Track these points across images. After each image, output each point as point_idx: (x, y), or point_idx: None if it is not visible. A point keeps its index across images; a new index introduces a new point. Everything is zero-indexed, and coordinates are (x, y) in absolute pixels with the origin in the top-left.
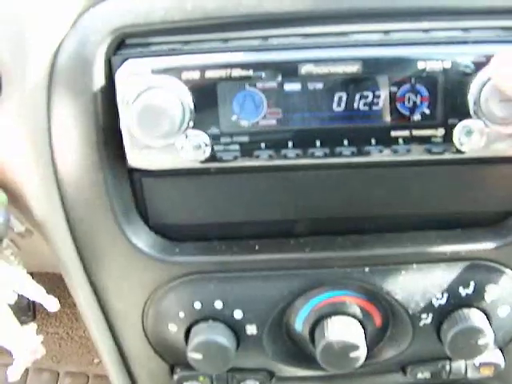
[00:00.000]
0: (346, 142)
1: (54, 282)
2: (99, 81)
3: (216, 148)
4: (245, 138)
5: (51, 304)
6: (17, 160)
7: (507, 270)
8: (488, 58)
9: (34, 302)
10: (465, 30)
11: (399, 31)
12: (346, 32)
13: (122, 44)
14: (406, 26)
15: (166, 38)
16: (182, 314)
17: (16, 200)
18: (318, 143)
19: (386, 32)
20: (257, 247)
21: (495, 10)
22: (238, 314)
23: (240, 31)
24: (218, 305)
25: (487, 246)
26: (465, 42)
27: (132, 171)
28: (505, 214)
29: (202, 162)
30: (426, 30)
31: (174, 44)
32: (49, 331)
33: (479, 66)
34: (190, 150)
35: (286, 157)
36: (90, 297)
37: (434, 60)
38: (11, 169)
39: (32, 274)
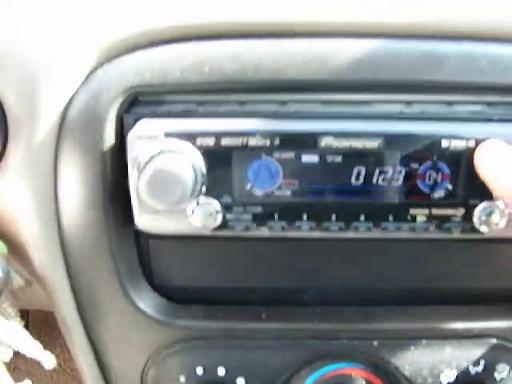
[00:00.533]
0: (362, 218)
1: (47, 313)
2: (110, 139)
3: (228, 217)
4: (258, 209)
5: (48, 361)
6: (20, 213)
7: None
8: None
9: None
10: (489, 104)
11: (422, 102)
12: (367, 101)
13: (136, 100)
14: (429, 97)
15: (181, 97)
16: (182, 379)
17: (17, 251)
18: (333, 217)
19: (408, 103)
20: (264, 315)
21: None
22: (240, 382)
23: (258, 94)
24: (221, 371)
25: (500, 324)
26: (489, 120)
27: (138, 232)
28: None
29: (213, 229)
30: (449, 103)
31: (188, 104)
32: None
33: None
34: (200, 217)
35: (299, 229)
36: (89, 354)
37: (458, 139)
38: (14, 220)
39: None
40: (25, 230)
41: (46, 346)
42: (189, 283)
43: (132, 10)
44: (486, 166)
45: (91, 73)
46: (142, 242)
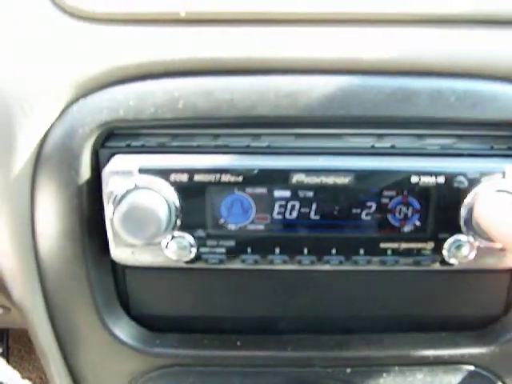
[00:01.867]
0: (334, 251)
1: None
2: (85, 174)
3: (202, 250)
4: (231, 242)
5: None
6: None
7: (490, 375)
8: (482, 175)
9: (7, 347)
10: (458, 137)
11: (392, 135)
12: (338, 134)
13: (111, 133)
14: (399, 131)
15: (156, 131)
16: None
17: None
18: (305, 251)
19: (379, 136)
20: (238, 343)
21: (488, 122)
22: None
23: (231, 129)
24: None
25: (471, 350)
26: (459, 155)
27: (115, 262)
28: (489, 319)
29: (187, 262)
30: (419, 135)
31: (163, 137)
32: (22, 376)
33: (472, 181)
34: (175, 250)
35: (272, 262)
36: (67, 381)
37: (428, 175)
38: None
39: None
40: (2, 261)
41: (27, 358)
42: (165, 312)
43: (106, 46)
44: (487, 215)
45: (66, 108)
46: (118, 272)
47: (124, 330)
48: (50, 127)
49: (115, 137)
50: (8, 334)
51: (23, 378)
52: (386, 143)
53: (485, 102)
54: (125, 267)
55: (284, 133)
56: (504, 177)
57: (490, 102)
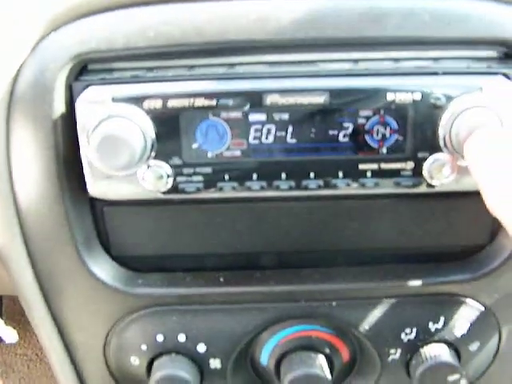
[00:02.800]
0: (312, 175)
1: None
2: (59, 109)
3: (178, 179)
4: (208, 170)
5: (9, 336)
6: None
7: (477, 305)
8: (459, 91)
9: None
10: (435, 59)
11: (368, 60)
12: (313, 60)
13: (84, 69)
14: (375, 55)
15: (130, 64)
16: (144, 347)
17: None
18: (283, 176)
19: (355, 61)
20: (221, 280)
21: (465, 41)
22: (201, 348)
23: (205, 58)
24: (181, 338)
25: (457, 280)
26: (435, 74)
27: (93, 200)
28: (474, 248)
29: (164, 192)
30: (395, 59)
31: (137, 70)
32: (17, 352)
33: (450, 98)
34: (151, 180)
35: (250, 189)
36: (51, 328)
37: (404, 92)
38: None
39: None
40: None
41: (22, 336)
42: (146, 251)
43: None
44: (475, 158)
45: (38, 43)
46: (97, 210)
47: (105, 270)
48: (22, 64)
49: (89, 72)
50: (2, 310)
51: (19, 354)
52: (361, 67)
53: (459, 20)
54: (104, 205)
55: (258, 61)
56: (481, 92)
57: (465, 21)
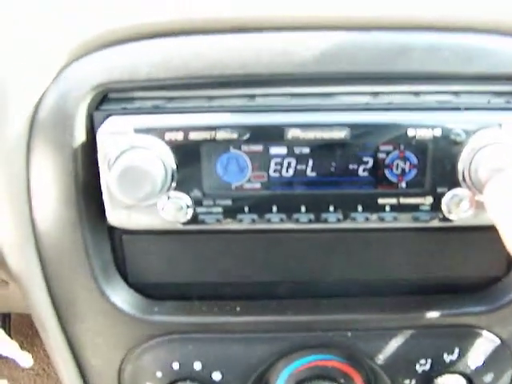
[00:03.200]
0: (331, 208)
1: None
2: (80, 137)
3: (198, 210)
4: (228, 201)
5: (24, 360)
6: None
7: (492, 336)
8: (479, 127)
9: (9, 333)
10: (456, 93)
11: (388, 93)
12: (333, 93)
13: (105, 98)
14: (395, 88)
15: (150, 94)
16: (159, 374)
17: None
18: (303, 208)
19: (375, 94)
20: (238, 309)
21: (486, 76)
22: (216, 376)
23: (226, 89)
24: (197, 366)
25: (473, 311)
26: (456, 109)
27: (112, 227)
28: (490, 280)
29: (184, 223)
30: (416, 93)
31: (157, 100)
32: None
33: (470, 134)
34: (171, 211)
35: (269, 221)
36: (65, 351)
37: (425, 128)
38: None
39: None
40: None
41: (29, 349)
42: (163, 279)
43: (99, 8)
44: (494, 204)
45: (60, 71)
46: (115, 238)
47: (122, 297)
48: (45, 91)
49: (110, 101)
50: (10, 324)
51: (25, 369)
52: (382, 100)
53: (480, 56)
54: (122, 233)
55: (279, 93)
56: (501, 128)
57: (486, 57)
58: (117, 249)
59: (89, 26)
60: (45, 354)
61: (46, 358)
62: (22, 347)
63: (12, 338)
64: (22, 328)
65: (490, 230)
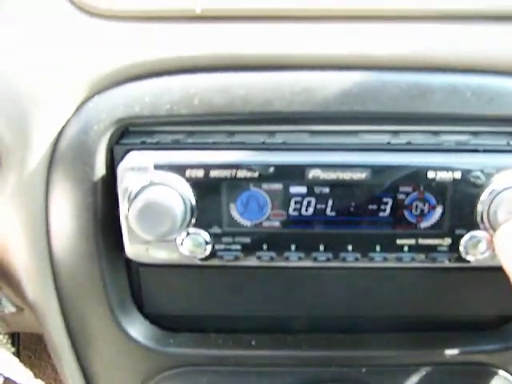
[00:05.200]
0: (350, 248)
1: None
2: (100, 171)
3: (217, 247)
4: (247, 239)
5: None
6: (11, 243)
7: (506, 375)
8: (498, 170)
9: (18, 352)
10: (474, 133)
11: (408, 132)
12: (354, 131)
13: (126, 131)
14: (416, 128)
15: (171, 128)
16: None
17: (8, 278)
18: (321, 247)
19: (395, 132)
20: (253, 342)
21: (505, 118)
22: None
23: (246, 125)
24: None
25: (487, 349)
26: (475, 151)
27: (129, 259)
28: (505, 319)
29: (202, 259)
30: (435, 132)
31: (178, 134)
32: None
33: (489, 176)
34: (190, 247)
35: (288, 259)
36: (79, 379)
37: (444, 170)
38: (5, 250)
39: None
40: (16, 259)
41: (37, 365)
42: (179, 311)
43: (122, 43)
44: (505, 250)
45: (82, 105)
46: (132, 269)
47: (137, 329)
48: (65, 124)
49: (130, 134)
50: (19, 339)
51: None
52: (401, 140)
53: (500, 97)
54: (139, 265)
55: (299, 130)
56: None
57: (506, 98)
58: (133, 280)
59: (111, 59)
60: (53, 369)
61: (54, 374)
62: (29, 363)
63: (20, 354)
64: (31, 344)
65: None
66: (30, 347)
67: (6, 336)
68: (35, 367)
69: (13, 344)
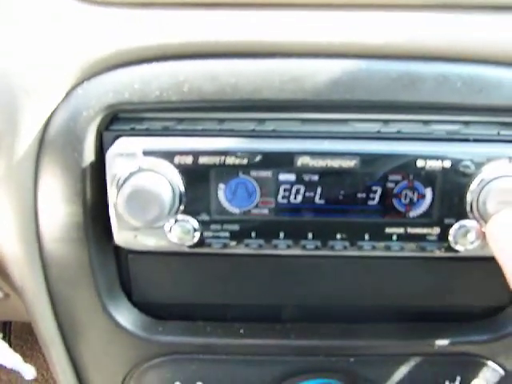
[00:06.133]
0: (338, 236)
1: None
2: (89, 157)
3: (205, 234)
4: (235, 226)
5: (27, 372)
6: (0, 227)
7: (494, 365)
8: (488, 160)
9: (9, 341)
10: (465, 123)
11: (398, 121)
12: (344, 119)
13: (115, 117)
14: (406, 116)
15: (161, 115)
16: None
17: None
18: (310, 235)
19: (385, 121)
20: (242, 331)
21: (496, 108)
22: None
23: (236, 113)
24: None
25: (476, 340)
26: (465, 140)
27: (118, 247)
28: (494, 309)
29: (190, 246)
30: (425, 122)
31: (168, 121)
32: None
33: (479, 166)
34: (178, 234)
35: (276, 247)
36: (68, 369)
37: (434, 159)
38: None
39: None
40: (4, 245)
41: (29, 355)
42: (168, 299)
43: (111, 29)
44: (497, 240)
45: (71, 91)
46: (121, 257)
47: (126, 316)
48: (55, 110)
49: (120, 120)
50: (11, 329)
51: None
52: (391, 128)
53: (491, 87)
54: (128, 253)
55: (289, 117)
56: (510, 162)
57: (497, 88)
58: (122, 268)
59: (101, 45)
60: (44, 360)
61: (45, 364)
62: (21, 353)
63: (12, 344)
64: (22, 334)
65: (495, 260)
66: (21, 337)
67: None
68: (27, 357)
69: (4, 334)
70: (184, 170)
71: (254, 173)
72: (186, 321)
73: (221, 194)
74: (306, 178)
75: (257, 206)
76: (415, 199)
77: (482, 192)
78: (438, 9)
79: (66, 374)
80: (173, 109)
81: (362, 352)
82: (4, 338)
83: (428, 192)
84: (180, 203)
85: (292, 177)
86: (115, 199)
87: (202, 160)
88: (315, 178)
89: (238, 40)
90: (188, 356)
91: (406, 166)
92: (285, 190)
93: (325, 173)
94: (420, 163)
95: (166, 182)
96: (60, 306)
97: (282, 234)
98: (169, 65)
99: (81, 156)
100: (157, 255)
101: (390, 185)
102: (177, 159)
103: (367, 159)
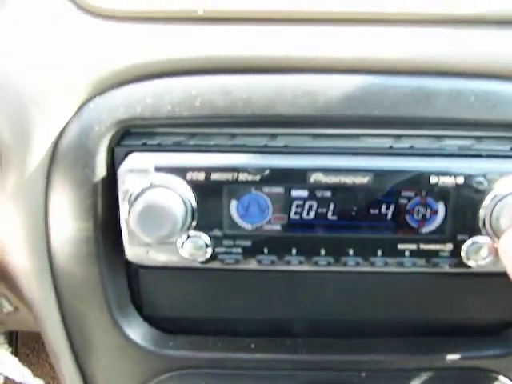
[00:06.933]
0: (351, 252)
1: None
2: (100, 172)
3: (217, 250)
4: (248, 242)
5: None
6: (10, 243)
7: (506, 380)
8: (501, 175)
9: (16, 351)
10: (478, 138)
11: (411, 137)
12: (356, 135)
13: (126, 132)
14: (419, 132)
15: (172, 130)
16: None
17: (6, 277)
18: (322, 251)
19: (397, 137)
20: (252, 346)
21: (509, 123)
22: None
23: (248, 128)
24: None
25: (488, 355)
26: (478, 156)
27: (129, 261)
28: (506, 324)
29: (203, 262)
30: (438, 137)
31: (179, 136)
32: None
33: (492, 182)
34: (190, 249)
35: (288, 263)
36: (77, 382)
37: (447, 175)
38: (4, 250)
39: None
40: (15, 260)
41: (35, 362)
42: (178, 314)
43: (124, 44)
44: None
45: (82, 106)
46: (132, 271)
47: (136, 331)
48: (66, 124)
49: (131, 135)
50: (17, 337)
51: None
52: (404, 144)
53: (504, 102)
54: (139, 267)
55: (301, 133)
56: None
57: (510, 103)
58: (133, 282)
59: (113, 60)
60: (50, 367)
61: (52, 372)
62: (28, 361)
63: (18, 352)
64: (29, 342)
65: (507, 275)
66: (28, 345)
67: (3, 336)
68: (33, 365)
69: (11, 342)
70: (196, 186)
71: (266, 189)
72: (197, 335)
73: (233, 210)
74: (319, 194)
75: (269, 222)
76: (428, 215)
77: (495, 208)
78: (451, 24)
79: None
80: (185, 124)
81: (374, 367)
82: (11, 346)
83: (441, 208)
84: (192, 219)
85: (305, 193)
86: (127, 215)
87: (215, 176)
88: (328, 194)
89: (251, 55)
90: (198, 371)
91: (419, 182)
92: (297, 206)
93: (337, 189)
94: (433, 179)
95: (179, 198)
96: (70, 319)
97: (294, 250)
98: (181, 80)
99: (92, 171)
100: (168, 270)
101: (402, 201)
102: (189, 175)
103: (380, 175)
